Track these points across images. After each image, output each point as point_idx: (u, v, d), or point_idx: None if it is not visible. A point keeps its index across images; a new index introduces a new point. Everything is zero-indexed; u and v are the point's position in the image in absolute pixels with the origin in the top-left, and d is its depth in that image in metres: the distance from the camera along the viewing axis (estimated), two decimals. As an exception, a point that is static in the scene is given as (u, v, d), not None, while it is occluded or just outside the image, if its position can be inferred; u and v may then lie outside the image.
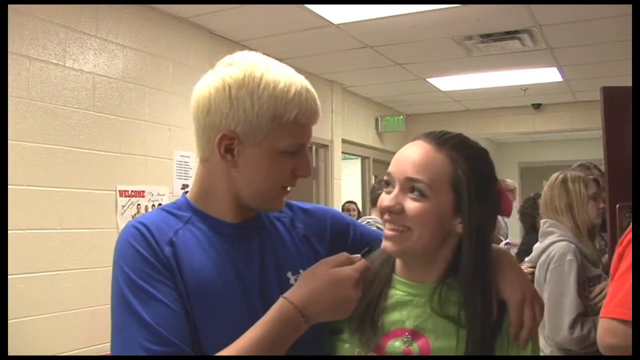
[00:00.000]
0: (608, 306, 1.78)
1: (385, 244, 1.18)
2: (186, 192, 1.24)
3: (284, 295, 1.06)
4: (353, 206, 6.71)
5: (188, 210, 1.19)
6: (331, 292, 1.05)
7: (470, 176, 1.15)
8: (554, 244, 2.57)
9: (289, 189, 1.19)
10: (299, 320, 1.03)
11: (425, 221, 1.13)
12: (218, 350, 1.03)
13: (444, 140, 1.18)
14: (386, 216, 1.17)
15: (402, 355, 1.15)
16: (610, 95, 3.12)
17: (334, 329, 1.24)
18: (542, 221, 2.74)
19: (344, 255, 1.13)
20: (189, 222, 1.17)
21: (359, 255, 1.14)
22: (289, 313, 1.03)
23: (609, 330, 1.75)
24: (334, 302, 1.06)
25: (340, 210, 5.03)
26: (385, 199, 1.17)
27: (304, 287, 1.06)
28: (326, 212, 1.38)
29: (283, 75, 1.13)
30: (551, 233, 2.63)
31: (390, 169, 1.19)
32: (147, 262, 1.07)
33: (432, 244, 1.16)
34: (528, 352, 1.15)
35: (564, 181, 2.67)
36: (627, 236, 1.85)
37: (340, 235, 1.32)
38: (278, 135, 1.11)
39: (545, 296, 2.47)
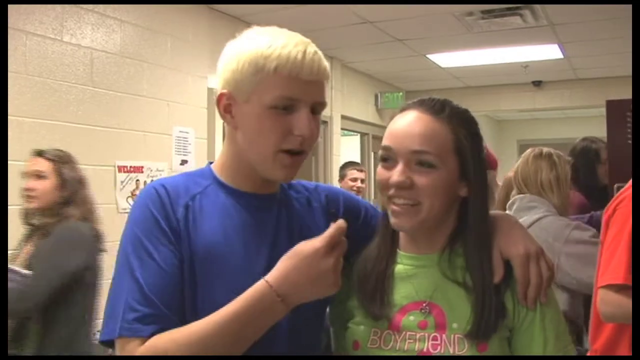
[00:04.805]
0: (600, 276, 1.80)
1: (395, 220, 1.17)
2: (211, 162, 1.27)
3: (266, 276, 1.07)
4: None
5: (209, 178, 1.22)
6: (302, 267, 1.04)
7: (470, 139, 1.17)
8: (544, 219, 2.38)
9: (298, 153, 1.16)
10: (274, 298, 1.03)
11: (436, 192, 1.14)
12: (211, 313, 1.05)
13: (439, 109, 1.18)
14: (392, 192, 1.15)
15: (417, 327, 1.15)
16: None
17: (346, 316, 1.24)
18: (519, 196, 2.51)
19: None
20: (208, 188, 1.20)
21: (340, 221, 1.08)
22: (264, 291, 1.03)
23: (601, 300, 1.77)
24: (308, 278, 1.04)
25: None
26: (395, 174, 1.14)
27: (280, 266, 1.06)
28: (338, 192, 1.40)
29: (271, 33, 1.16)
30: (534, 208, 2.43)
31: (390, 142, 1.17)
32: (156, 223, 1.11)
33: (441, 212, 1.17)
34: (537, 314, 1.14)
35: (549, 155, 2.51)
36: (613, 204, 1.89)
37: (351, 214, 1.32)
38: (263, 89, 1.12)
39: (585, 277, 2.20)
